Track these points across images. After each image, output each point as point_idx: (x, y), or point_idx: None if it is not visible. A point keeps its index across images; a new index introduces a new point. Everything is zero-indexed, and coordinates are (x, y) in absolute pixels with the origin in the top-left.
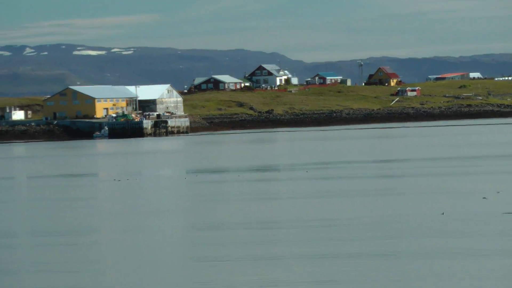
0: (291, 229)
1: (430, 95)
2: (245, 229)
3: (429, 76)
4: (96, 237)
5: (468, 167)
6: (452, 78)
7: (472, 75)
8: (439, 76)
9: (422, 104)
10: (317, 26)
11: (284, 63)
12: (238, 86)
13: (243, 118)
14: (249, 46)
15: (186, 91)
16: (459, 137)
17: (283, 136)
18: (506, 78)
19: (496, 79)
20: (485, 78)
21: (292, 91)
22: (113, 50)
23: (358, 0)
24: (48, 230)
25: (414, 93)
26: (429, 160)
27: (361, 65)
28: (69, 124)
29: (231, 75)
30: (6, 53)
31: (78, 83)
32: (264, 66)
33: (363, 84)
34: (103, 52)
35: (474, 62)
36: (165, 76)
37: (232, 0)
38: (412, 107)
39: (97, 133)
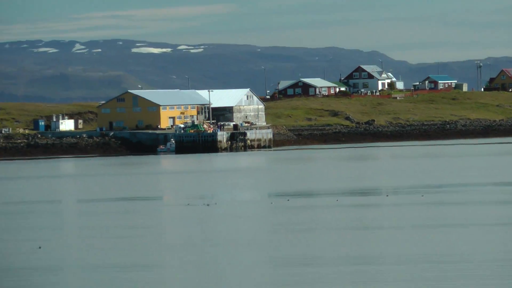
0: (396, 266)
1: None
2: (340, 265)
3: None
4: (161, 274)
5: None
6: None
7: None
8: None
9: None
10: (423, 19)
11: (385, 63)
12: (331, 92)
13: (337, 130)
14: (343, 44)
15: (268, 97)
16: None
17: (386, 152)
18: None
19: None
20: None
21: (397, 98)
22: (180, 48)
23: None
24: (103, 265)
25: None
26: None
27: (480, 66)
28: (128, 136)
29: (323, 78)
30: (52, 50)
31: (139, 86)
32: (363, 67)
33: (482, 89)
34: (168, 50)
35: None
36: (242, 78)
37: None
38: None
39: (162, 147)
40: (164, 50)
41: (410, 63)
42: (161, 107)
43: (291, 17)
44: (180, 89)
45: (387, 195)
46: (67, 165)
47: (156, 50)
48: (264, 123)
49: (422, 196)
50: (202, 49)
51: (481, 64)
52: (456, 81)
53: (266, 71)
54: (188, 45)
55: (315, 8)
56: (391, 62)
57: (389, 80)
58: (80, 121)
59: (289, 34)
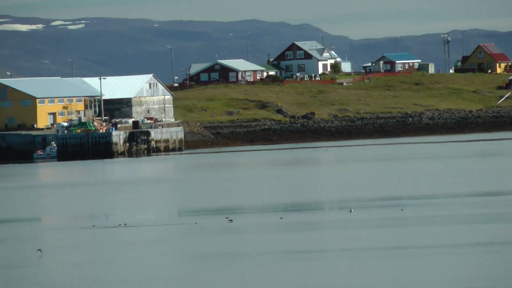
0: None
1: None
2: None
3: None
4: None
5: None
6: None
7: None
8: None
9: None
10: None
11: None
12: (258, 77)
13: (267, 127)
14: (264, 16)
15: (176, 84)
16: None
17: (330, 155)
18: None
19: None
20: None
21: (344, 84)
22: (54, 24)
23: None
24: None
25: None
26: None
27: (448, 41)
28: None
29: (246, 59)
30: None
31: (8, 73)
32: (299, 44)
33: (451, 71)
34: (38, 27)
35: None
36: (138, 62)
37: None
38: None
39: (40, 152)
40: (33, 27)
41: (352, 38)
42: (37, 100)
43: None
44: (60, 77)
45: (330, 209)
46: None
47: (23, 27)
48: (173, 119)
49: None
50: (83, 25)
51: (449, 38)
52: (419, 60)
53: (168, 52)
54: (65, 20)
55: None
56: (328, 38)
57: (332, 61)
58: None
59: (195, 4)
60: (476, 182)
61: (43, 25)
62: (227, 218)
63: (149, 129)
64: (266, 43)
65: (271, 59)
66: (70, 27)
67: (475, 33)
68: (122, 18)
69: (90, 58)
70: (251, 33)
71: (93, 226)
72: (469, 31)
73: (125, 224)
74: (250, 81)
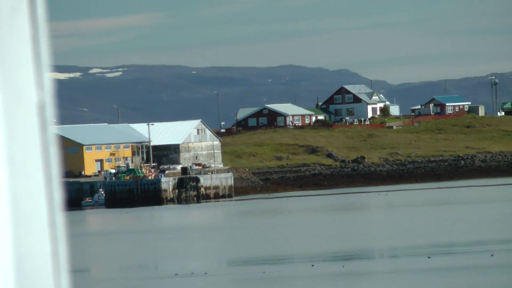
0: None
1: None
2: None
3: None
4: None
5: None
6: None
7: None
8: None
9: None
10: (403, 26)
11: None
12: (307, 121)
13: (317, 172)
14: (299, 61)
15: (224, 130)
16: None
17: (382, 199)
18: None
19: None
20: None
21: (394, 127)
22: (91, 71)
23: None
24: None
25: None
26: None
27: (496, 83)
28: None
29: (294, 103)
30: None
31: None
32: (348, 87)
33: (501, 113)
34: (76, 75)
35: None
36: (178, 108)
37: None
38: None
39: (88, 199)
40: (72, 75)
41: (390, 83)
42: (84, 148)
43: (233, 28)
44: (106, 123)
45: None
46: None
47: (62, 76)
48: (221, 165)
49: (429, 257)
50: (120, 72)
51: (497, 80)
52: (470, 103)
53: (207, 99)
54: (103, 68)
55: (264, 16)
56: (366, 83)
57: (381, 104)
58: None
59: (230, 50)
60: None
61: (81, 73)
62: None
63: (198, 175)
64: (304, 88)
65: (319, 103)
66: (108, 74)
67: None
68: (159, 65)
69: (128, 105)
70: (288, 79)
71: (142, 277)
72: (507, 73)
73: (176, 274)
74: (298, 125)
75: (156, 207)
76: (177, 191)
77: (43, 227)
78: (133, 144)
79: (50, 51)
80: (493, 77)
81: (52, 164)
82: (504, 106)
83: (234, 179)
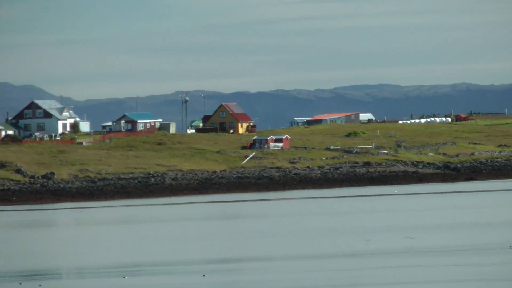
0: None
1: (306, 148)
2: None
3: (295, 119)
4: None
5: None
6: (332, 120)
7: (363, 116)
8: (312, 118)
9: (293, 163)
10: (81, 42)
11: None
12: None
13: (6, 187)
14: None
15: None
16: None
17: (69, 216)
18: (419, 120)
19: (401, 121)
20: (384, 121)
21: (84, 143)
22: None
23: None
24: None
25: (281, 145)
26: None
27: (187, 100)
28: None
29: None
30: None
31: None
32: (38, 102)
33: (190, 130)
34: None
35: (360, 98)
36: None
37: None
38: (278, 168)
39: None
40: None
41: (76, 99)
42: None
43: None
44: None
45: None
46: None
47: None
48: None
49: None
50: None
51: (187, 97)
52: (161, 120)
53: None
54: None
55: None
56: (52, 99)
57: (72, 120)
58: None
59: None
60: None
61: None
62: None
63: None
64: None
65: (9, 118)
66: None
67: (199, 93)
68: None
69: None
70: None
71: None
72: (193, 92)
73: None
74: None
75: None
76: None
77: None
78: None
79: None
80: (184, 95)
81: None
82: (193, 124)
83: None
